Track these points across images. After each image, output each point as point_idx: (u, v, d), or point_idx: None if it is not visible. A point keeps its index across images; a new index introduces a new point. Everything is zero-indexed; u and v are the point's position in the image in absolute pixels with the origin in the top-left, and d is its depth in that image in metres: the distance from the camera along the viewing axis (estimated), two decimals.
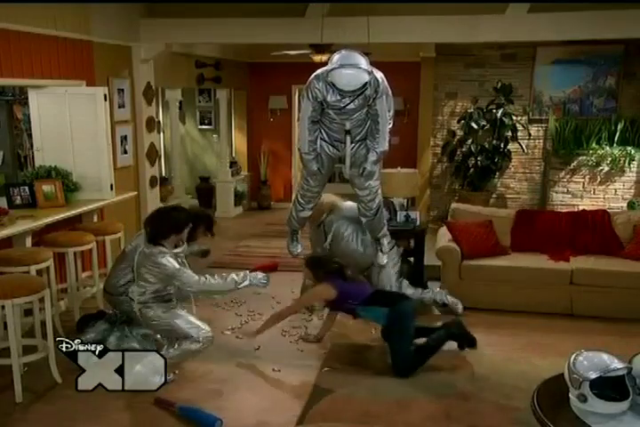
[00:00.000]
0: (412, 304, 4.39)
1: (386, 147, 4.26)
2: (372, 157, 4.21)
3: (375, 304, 4.24)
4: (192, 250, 4.63)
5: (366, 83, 3.83)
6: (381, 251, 4.87)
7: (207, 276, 4.02)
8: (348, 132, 4.15)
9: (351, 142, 4.20)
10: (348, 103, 3.95)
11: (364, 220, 4.70)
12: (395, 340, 4.19)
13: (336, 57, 3.83)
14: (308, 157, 4.28)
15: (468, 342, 4.41)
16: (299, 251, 4.94)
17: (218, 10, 6.21)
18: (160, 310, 4.03)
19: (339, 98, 3.94)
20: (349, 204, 5.11)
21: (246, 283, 4.04)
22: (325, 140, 4.28)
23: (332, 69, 3.79)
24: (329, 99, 3.96)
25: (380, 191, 4.54)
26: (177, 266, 3.92)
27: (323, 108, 4.07)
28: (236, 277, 4.02)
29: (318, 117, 4.14)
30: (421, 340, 4.28)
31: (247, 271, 4.12)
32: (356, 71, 3.74)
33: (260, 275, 4.11)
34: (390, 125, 4.20)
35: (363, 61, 3.78)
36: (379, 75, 3.98)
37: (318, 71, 3.99)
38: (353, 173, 4.35)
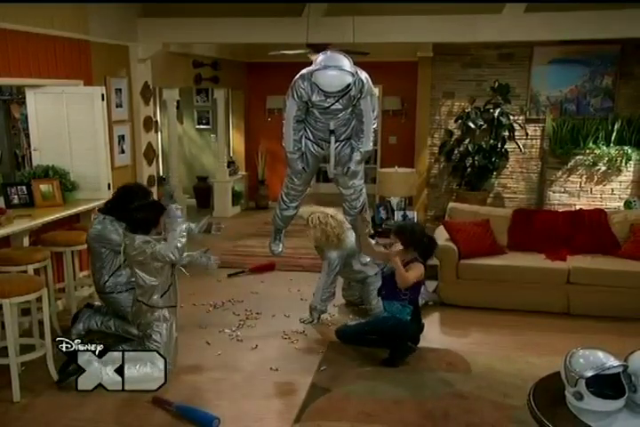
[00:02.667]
0: (418, 330, 4.50)
1: (370, 147, 4.28)
2: (357, 156, 4.23)
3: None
4: (200, 229, 4.62)
5: (349, 84, 3.86)
6: None
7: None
8: (332, 131, 4.17)
9: (335, 142, 4.23)
10: (333, 103, 3.98)
11: (348, 218, 4.73)
12: (373, 324, 4.47)
13: (320, 58, 3.86)
14: (293, 156, 4.30)
15: (390, 361, 4.32)
16: (279, 250, 4.95)
17: (215, 10, 6.21)
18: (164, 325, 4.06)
19: (323, 98, 3.97)
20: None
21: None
22: (310, 139, 4.30)
23: (315, 70, 3.82)
24: (314, 98, 3.99)
25: (364, 191, 4.56)
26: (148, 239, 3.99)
27: (308, 107, 4.09)
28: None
29: (303, 117, 4.17)
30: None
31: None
32: (339, 73, 3.77)
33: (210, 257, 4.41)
34: (374, 125, 4.22)
35: (346, 63, 3.82)
36: (363, 75, 4.00)
37: (303, 71, 4.02)
38: (337, 173, 4.37)
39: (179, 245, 3.97)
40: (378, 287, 4.87)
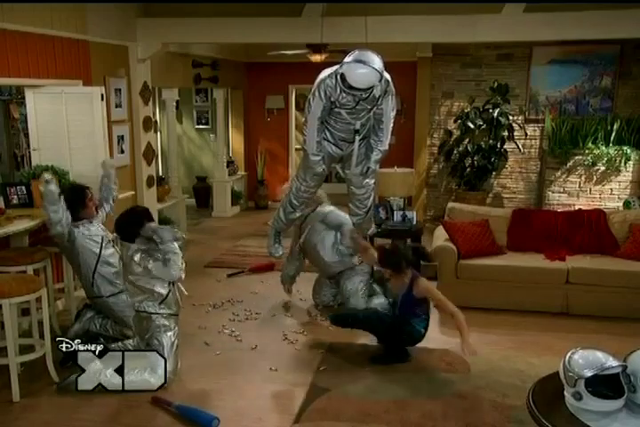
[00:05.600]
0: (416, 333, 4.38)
1: (387, 146, 4.28)
2: (376, 155, 4.22)
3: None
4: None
5: (374, 85, 3.84)
6: None
7: None
8: (357, 131, 4.14)
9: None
10: (359, 102, 3.96)
11: (354, 219, 4.73)
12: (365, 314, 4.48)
13: (351, 54, 3.81)
14: (316, 158, 4.24)
15: (381, 359, 4.35)
16: (280, 253, 4.95)
17: (214, 9, 6.21)
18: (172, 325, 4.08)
19: (351, 98, 3.93)
20: (332, 209, 5.16)
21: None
22: (329, 140, 4.27)
23: (346, 62, 3.76)
24: (341, 98, 3.94)
25: (374, 189, 4.57)
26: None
27: (332, 107, 4.05)
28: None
29: (325, 118, 4.13)
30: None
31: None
32: (369, 70, 3.72)
33: None
34: (392, 124, 4.22)
35: (377, 61, 3.77)
36: (387, 75, 3.99)
37: (330, 70, 3.97)
38: (354, 172, 4.35)
39: (179, 263, 4.02)
40: (359, 283, 4.89)
